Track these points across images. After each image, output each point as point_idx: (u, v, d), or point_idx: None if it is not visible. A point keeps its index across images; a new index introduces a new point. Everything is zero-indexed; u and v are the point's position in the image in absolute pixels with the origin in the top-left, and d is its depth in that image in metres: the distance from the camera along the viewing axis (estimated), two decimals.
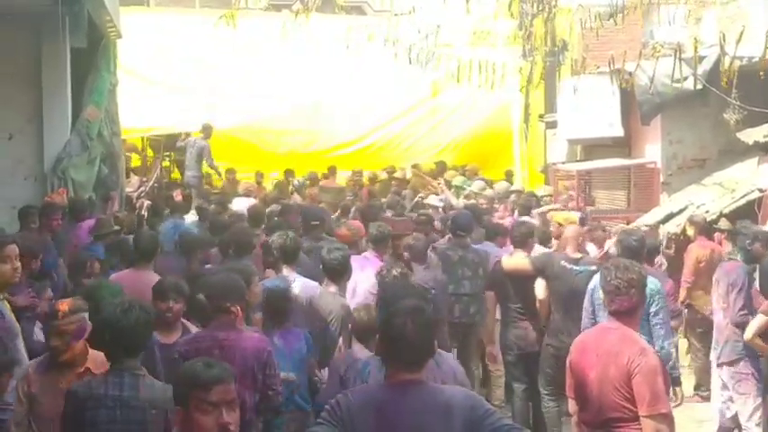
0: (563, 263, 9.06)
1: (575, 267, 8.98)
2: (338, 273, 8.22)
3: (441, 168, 21.26)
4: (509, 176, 21.27)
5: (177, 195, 16.65)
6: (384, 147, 23.39)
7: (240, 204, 15.25)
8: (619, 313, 5.71)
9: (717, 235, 12.08)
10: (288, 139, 23.07)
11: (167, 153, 21.01)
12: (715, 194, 13.38)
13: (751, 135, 12.73)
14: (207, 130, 19.77)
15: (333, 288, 8.14)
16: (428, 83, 22.47)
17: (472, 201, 15.62)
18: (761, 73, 10.81)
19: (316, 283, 8.25)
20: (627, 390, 5.44)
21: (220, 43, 21.54)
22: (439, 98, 24.55)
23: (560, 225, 11.47)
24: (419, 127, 23.93)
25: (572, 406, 6.00)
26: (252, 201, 15.87)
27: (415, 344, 4.29)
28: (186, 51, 22.57)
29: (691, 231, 11.62)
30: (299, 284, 8.11)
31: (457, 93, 22.02)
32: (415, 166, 20.86)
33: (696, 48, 12.75)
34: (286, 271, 8.40)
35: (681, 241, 12.24)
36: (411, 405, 4.21)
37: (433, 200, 16.01)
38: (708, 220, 12.01)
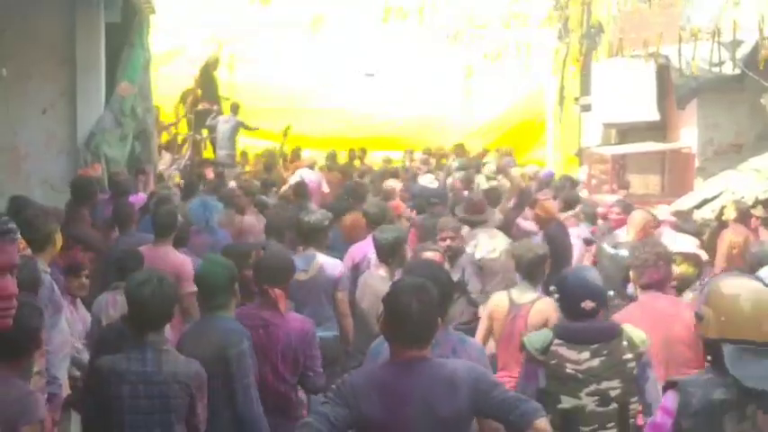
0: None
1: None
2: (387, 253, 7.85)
3: (459, 151, 21.18)
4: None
5: (209, 173, 16.69)
6: (416, 127, 23.39)
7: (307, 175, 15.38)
8: (649, 286, 5.92)
9: (753, 221, 11.96)
10: (315, 119, 23.23)
11: (200, 131, 21.05)
12: (751, 180, 13.23)
13: None
14: (235, 108, 20.26)
15: (382, 271, 7.82)
16: (463, 64, 22.37)
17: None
18: None
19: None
20: (696, 344, 5.40)
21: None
22: (473, 79, 24.52)
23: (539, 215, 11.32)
24: (451, 108, 23.92)
25: None
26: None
27: (419, 320, 4.27)
28: None
29: (732, 215, 11.40)
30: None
31: (491, 74, 21.92)
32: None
33: (735, 31, 12.61)
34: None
35: (715, 227, 12.09)
36: (416, 381, 4.22)
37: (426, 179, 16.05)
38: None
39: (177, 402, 5.19)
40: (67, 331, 6.52)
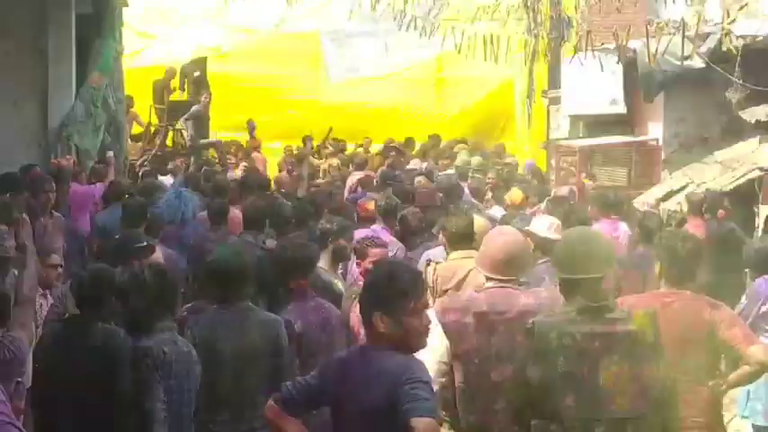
0: None
1: None
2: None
3: (435, 142, 21.37)
4: (499, 150, 21.30)
5: (180, 164, 16.72)
6: (386, 118, 23.44)
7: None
8: (677, 280, 5.89)
9: (720, 212, 12.15)
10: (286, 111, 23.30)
11: (171, 122, 21.01)
12: (716, 173, 13.43)
13: (753, 114, 12.77)
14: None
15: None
16: (433, 55, 22.44)
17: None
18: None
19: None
20: (711, 344, 5.64)
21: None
22: (442, 71, 24.64)
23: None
24: (422, 100, 24.02)
25: None
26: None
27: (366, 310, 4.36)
28: None
29: (686, 209, 11.57)
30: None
31: (461, 66, 22.00)
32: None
33: (699, 25, 12.77)
34: None
35: (679, 219, 12.28)
36: (359, 370, 4.28)
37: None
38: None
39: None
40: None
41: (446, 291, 6.97)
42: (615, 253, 5.45)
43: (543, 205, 11.28)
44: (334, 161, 19.28)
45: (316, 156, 20.40)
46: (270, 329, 5.92)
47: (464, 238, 7.50)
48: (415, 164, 17.61)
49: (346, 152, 21.04)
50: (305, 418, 4.59)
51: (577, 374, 4.66)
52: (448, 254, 7.71)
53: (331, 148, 21.06)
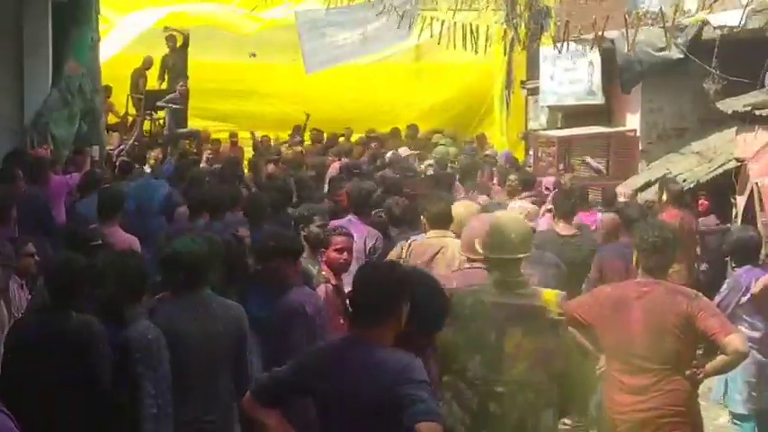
0: None
1: None
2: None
3: (413, 132, 21.40)
4: (481, 141, 21.37)
5: (157, 155, 16.65)
6: (364, 109, 23.40)
7: None
8: (654, 270, 5.92)
9: (700, 203, 12.22)
10: (267, 101, 23.18)
11: (149, 112, 20.92)
12: (693, 163, 13.48)
13: (730, 105, 12.78)
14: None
15: None
16: (411, 46, 22.40)
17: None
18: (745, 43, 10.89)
19: None
20: (688, 333, 5.68)
21: None
22: (421, 62, 24.63)
23: None
24: (400, 89, 23.99)
25: (608, 366, 6.07)
26: None
27: (368, 301, 4.34)
28: None
29: (664, 197, 11.51)
30: None
31: (440, 56, 21.98)
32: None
33: (674, 17, 12.80)
34: None
35: (657, 209, 12.31)
36: (348, 363, 4.26)
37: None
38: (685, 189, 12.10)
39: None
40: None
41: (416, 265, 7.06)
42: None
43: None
44: (299, 148, 19.24)
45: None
46: (232, 316, 5.90)
47: (441, 220, 7.89)
48: (403, 151, 17.55)
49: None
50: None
51: (485, 339, 5.19)
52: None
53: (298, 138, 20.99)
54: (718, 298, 8.14)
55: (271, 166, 14.90)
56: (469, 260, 6.25)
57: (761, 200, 10.77)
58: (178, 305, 5.81)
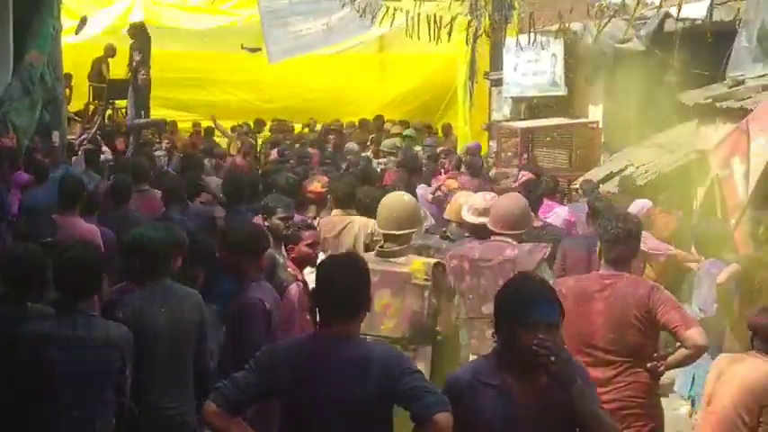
0: None
1: None
2: None
3: (379, 122, 21.43)
4: (447, 132, 21.44)
5: (120, 144, 16.56)
6: (328, 100, 23.39)
7: None
8: (616, 262, 5.93)
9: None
10: (229, 90, 23.12)
11: (111, 101, 20.76)
12: (654, 155, 13.56)
13: (692, 97, 12.87)
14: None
15: None
16: (375, 36, 22.39)
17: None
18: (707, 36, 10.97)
19: None
20: (650, 326, 5.71)
21: None
22: (386, 51, 24.63)
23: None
24: (364, 79, 23.98)
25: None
26: None
27: (343, 295, 4.28)
28: None
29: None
30: None
31: (404, 47, 21.99)
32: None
33: (635, 9, 12.88)
34: None
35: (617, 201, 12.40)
36: (328, 359, 4.19)
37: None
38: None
39: (110, 366, 5.25)
40: None
41: (326, 238, 8.38)
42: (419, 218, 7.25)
43: None
44: (246, 139, 19.22)
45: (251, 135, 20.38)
46: (193, 303, 5.89)
47: (345, 200, 8.81)
48: (352, 146, 17.53)
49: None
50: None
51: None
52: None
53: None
54: (697, 293, 8.28)
55: (239, 158, 15.01)
56: (495, 234, 7.17)
57: (721, 192, 10.86)
58: (144, 295, 5.74)
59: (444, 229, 8.40)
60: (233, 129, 20.78)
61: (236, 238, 6.47)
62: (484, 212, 7.55)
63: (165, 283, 5.81)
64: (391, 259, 6.53)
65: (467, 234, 7.75)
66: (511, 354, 4.22)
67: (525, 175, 12.59)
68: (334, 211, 8.86)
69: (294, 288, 6.95)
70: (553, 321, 4.22)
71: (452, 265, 7.07)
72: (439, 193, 11.94)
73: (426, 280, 6.41)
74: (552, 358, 4.09)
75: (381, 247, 6.72)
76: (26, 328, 5.23)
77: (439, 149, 17.75)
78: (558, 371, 4.12)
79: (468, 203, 7.79)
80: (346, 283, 4.29)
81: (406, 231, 6.71)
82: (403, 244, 6.66)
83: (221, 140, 19.73)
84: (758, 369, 5.78)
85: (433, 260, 6.69)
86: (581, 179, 13.52)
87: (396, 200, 6.99)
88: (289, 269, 7.23)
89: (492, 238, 7.20)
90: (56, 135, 14.15)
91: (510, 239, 7.09)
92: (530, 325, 4.14)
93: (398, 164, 13.77)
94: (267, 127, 21.64)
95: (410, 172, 12.82)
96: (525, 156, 15.92)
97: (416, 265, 6.48)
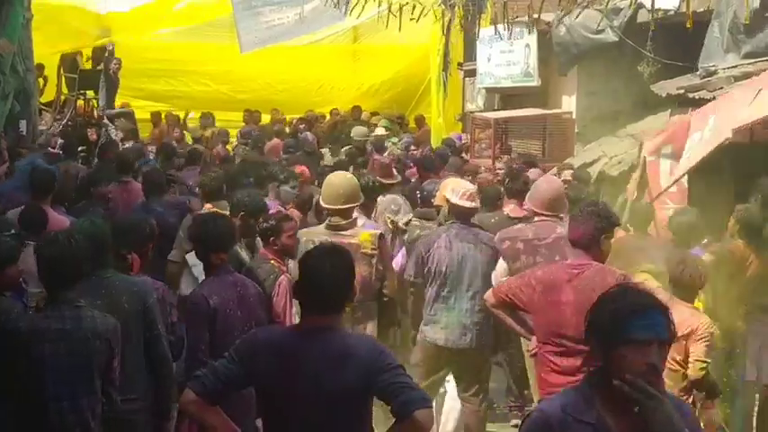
0: None
1: None
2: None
3: (356, 113, 21.43)
4: (420, 123, 21.44)
5: (92, 135, 16.45)
6: (300, 90, 23.35)
7: None
8: (579, 243, 5.97)
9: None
10: (202, 81, 23.03)
11: (82, 91, 20.60)
12: (627, 146, 13.58)
13: (664, 88, 12.90)
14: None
15: None
16: (349, 27, 22.37)
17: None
18: (688, 25, 10.98)
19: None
20: None
21: None
22: (359, 42, 24.59)
23: None
24: (338, 70, 23.95)
25: (540, 348, 6.11)
26: None
27: (328, 287, 4.27)
28: None
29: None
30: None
31: (377, 38, 21.98)
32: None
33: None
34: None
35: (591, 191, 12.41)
36: (312, 351, 4.18)
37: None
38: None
39: (98, 358, 5.23)
40: None
41: None
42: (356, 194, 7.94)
43: None
44: (216, 129, 19.19)
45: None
46: (135, 292, 5.87)
47: (214, 194, 9.03)
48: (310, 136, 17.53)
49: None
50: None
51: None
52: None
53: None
54: None
55: (220, 147, 15.06)
56: (537, 214, 7.74)
57: (645, 174, 10.92)
58: (78, 290, 5.56)
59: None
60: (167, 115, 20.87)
61: (197, 231, 6.55)
62: (470, 197, 7.96)
63: (102, 276, 5.80)
64: (341, 232, 7.65)
65: (453, 221, 8.01)
66: (606, 383, 3.55)
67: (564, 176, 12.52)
68: (206, 206, 8.94)
69: (285, 281, 6.96)
70: (666, 339, 3.56)
71: (505, 246, 7.73)
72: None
73: (374, 249, 7.70)
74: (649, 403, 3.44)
75: (329, 221, 7.79)
76: (16, 324, 5.24)
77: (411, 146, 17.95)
78: (653, 421, 3.45)
79: (456, 189, 8.06)
80: (332, 277, 4.28)
81: (351, 205, 7.81)
82: (348, 218, 7.76)
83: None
84: (681, 313, 5.97)
85: (377, 231, 7.91)
86: (566, 171, 13.53)
87: (340, 178, 8.04)
88: (272, 261, 7.22)
89: (535, 219, 7.80)
90: (22, 124, 14.02)
91: (555, 219, 7.69)
92: (639, 343, 3.51)
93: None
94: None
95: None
96: (499, 146, 15.90)
97: (364, 236, 7.68)
